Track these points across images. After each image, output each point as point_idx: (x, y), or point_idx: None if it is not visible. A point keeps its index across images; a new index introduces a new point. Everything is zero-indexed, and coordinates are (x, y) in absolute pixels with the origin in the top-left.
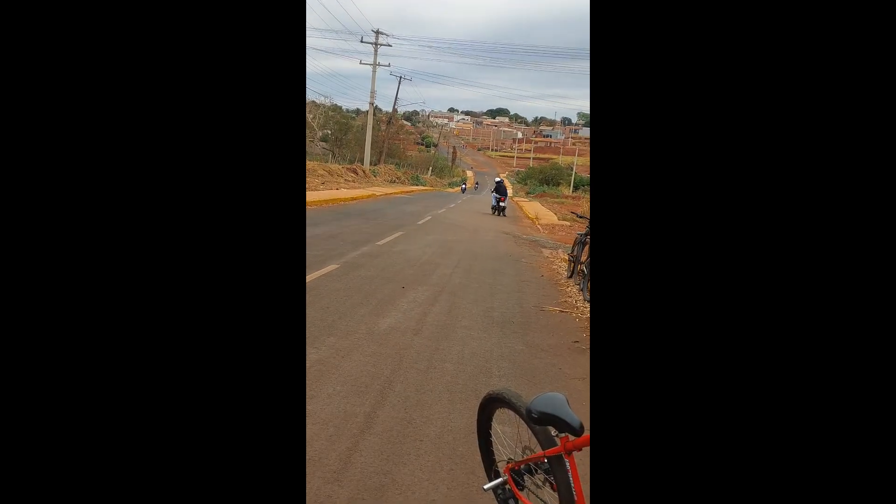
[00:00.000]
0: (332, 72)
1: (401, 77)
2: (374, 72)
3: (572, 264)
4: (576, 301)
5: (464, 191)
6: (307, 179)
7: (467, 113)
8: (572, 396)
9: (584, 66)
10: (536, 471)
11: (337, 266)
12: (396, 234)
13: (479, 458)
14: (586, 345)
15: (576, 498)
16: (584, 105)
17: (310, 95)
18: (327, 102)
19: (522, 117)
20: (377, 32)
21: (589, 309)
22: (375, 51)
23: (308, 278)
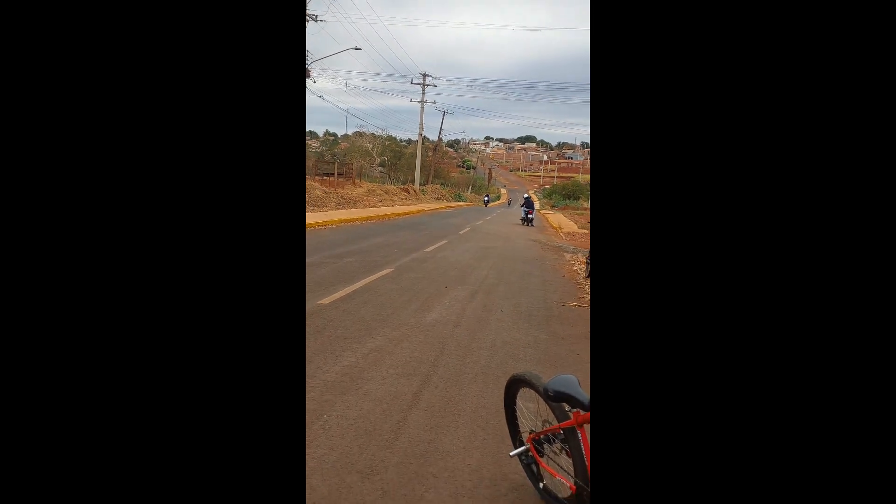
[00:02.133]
0: (386, 108)
1: (444, 112)
2: (422, 108)
3: (589, 266)
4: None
5: (486, 204)
6: (368, 199)
7: (500, 140)
8: (586, 378)
9: None
10: (554, 440)
11: (391, 270)
12: (441, 243)
13: (506, 430)
14: None
15: (587, 464)
16: None
17: (368, 129)
18: (384, 134)
19: (547, 142)
20: (424, 75)
21: None
22: (423, 90)
23: (367, 280)
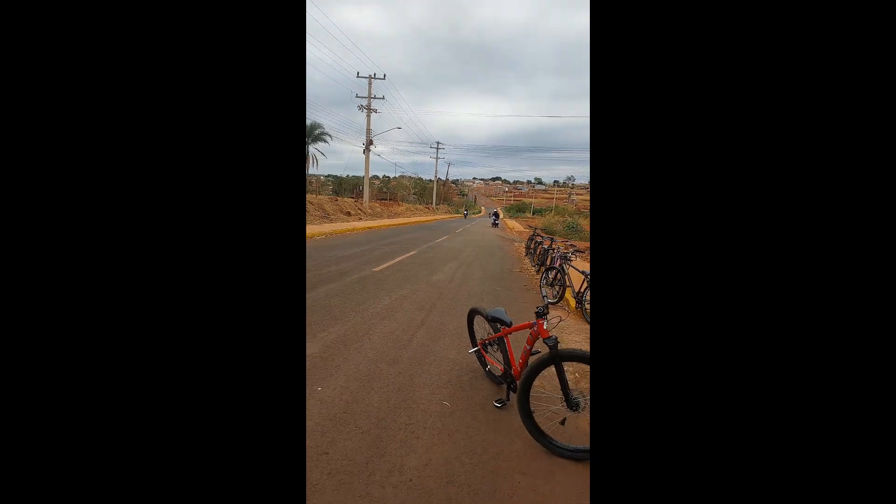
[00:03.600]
0: (416, 162)
1: (448, 163)
2: (436, 162)
3: (527, 248)
4: (528, 267)
5: (465, 216)
6: (405, 213)
7: (481, 179)
8: (511, 308)
9: (545, 154)
10: (493, 344)
11: (414, 252)
12: (445, 237)
13: (468, 339)
14: (530, 286)
15: (510, 358)
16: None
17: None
18: (415, 176)
19: (507, 180)
20: (437, 143)
21: (534, 271)
22: (437, 152)
23: (400, 258)
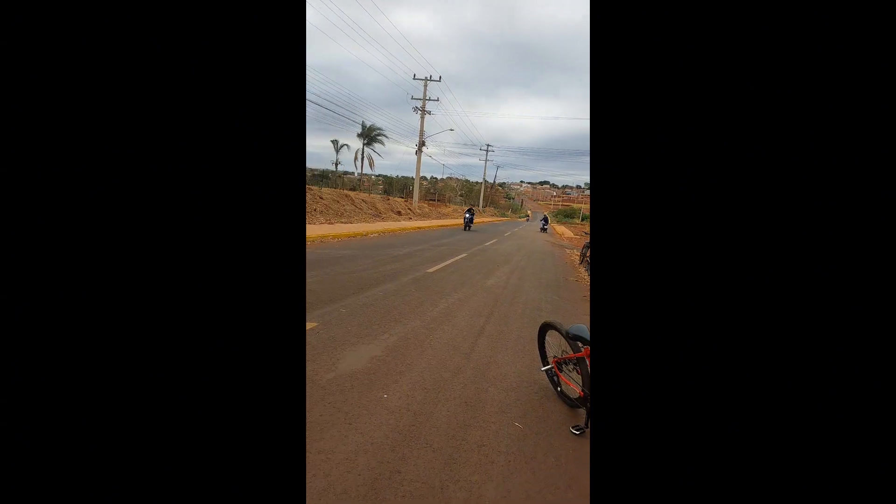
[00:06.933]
0: (465, 164)
1: (497, 166)
2: (485, 165)
3: (581, 256)
4: (584, 277)
5: (528, 220)
6: (453, 214)
7: (528, 182)
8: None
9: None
10: (569, 363)
11: (465, 255)
12: (493, 241)
13: (536, 354)
14: (588, 297)
15: (591, 381)
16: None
17: (455, 175)
18: (463, 178)
19: (556, 184)
20: (488, 145)
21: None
22: (486, 154)
23: (452, 260)
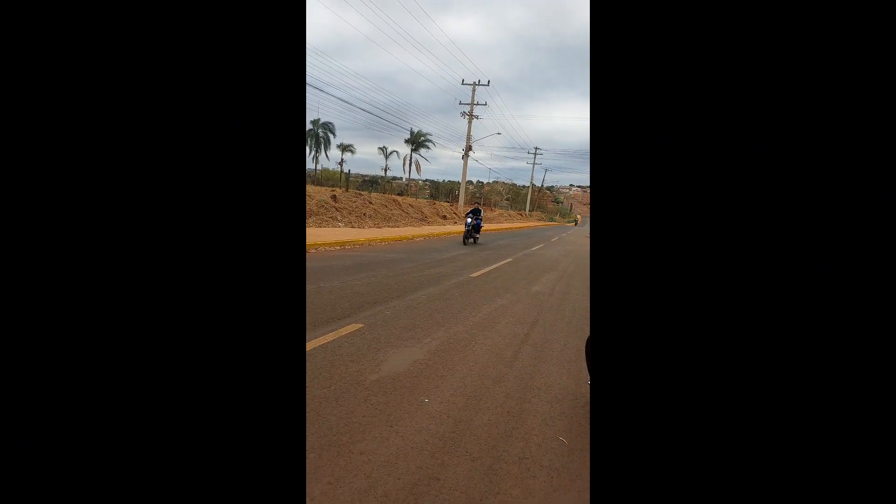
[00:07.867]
0: (512, 167)
1: (545, 169)
2: (532, 169)
3: None
4: None
5: (577, 225)
6: (498, 218)
7: (579, 186)
8: None
9: None
10: None
11: (510, 260)
12: (540, 246)
13: (583, 365)
14: None
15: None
16: None
17: (501, 179)
18: (509, 182)
19: None
20: (536, 148)
21: None
22: (534, 158)
23: (497, 265)
